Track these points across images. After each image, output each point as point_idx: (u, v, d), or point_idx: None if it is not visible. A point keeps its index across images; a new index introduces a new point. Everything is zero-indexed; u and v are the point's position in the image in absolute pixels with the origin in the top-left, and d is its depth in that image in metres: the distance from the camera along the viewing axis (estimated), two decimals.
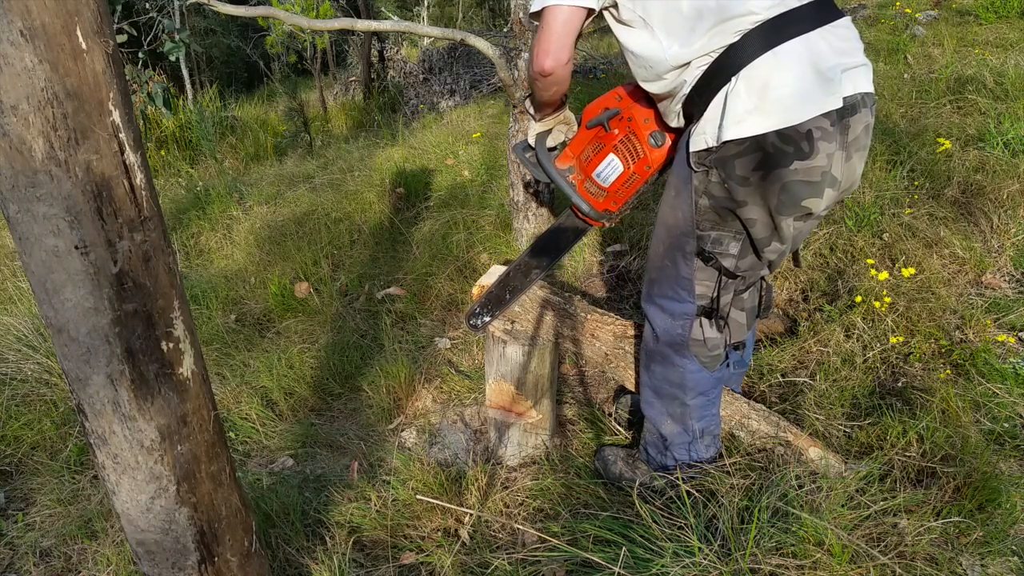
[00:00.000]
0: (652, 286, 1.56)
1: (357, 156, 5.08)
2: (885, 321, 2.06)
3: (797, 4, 1.26)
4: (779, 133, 1.23)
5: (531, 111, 1.66)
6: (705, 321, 1.52)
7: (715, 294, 1.48)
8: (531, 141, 1.70)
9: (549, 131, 1.68)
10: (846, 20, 1.32)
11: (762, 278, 1.64)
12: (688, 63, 1.31)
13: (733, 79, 1.26)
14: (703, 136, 1.32)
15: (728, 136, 1.26)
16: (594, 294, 2.77)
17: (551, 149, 1.68)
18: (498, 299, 1.90)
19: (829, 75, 1.24)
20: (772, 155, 1.25)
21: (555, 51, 1.37)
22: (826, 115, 1.24)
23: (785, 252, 1.45)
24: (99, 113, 0.82)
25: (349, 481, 1.88)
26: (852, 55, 1.29)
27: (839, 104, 1.24)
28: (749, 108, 1.24)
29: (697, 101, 1.33)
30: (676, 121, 1.44)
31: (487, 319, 1.88)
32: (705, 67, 1.30)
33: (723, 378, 1.61)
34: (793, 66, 1.23)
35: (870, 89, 1.31)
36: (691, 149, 1.35)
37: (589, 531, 1.50)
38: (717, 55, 1.28)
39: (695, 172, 1.36)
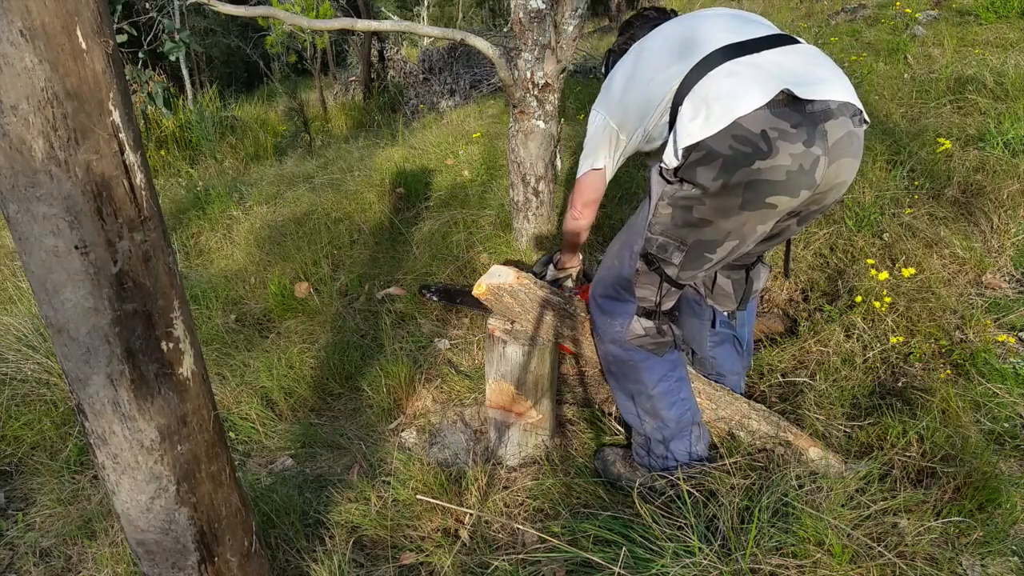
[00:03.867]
0: (597, 285, 1.70)
1: (357, 156, 5.08)
2: (885, 321, 2.06)
3: (745, 38, 1.41)
4: (734, 136, 1.32)
5: (554, 265, 2.12)
6: (643, 319, 1.61)
7: (658, 300, 1.59)
8: (548, 278, 2.13)
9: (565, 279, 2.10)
10: (807, 47, 1.43)
11: (747, 270, 1.74)
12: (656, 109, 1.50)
13: (681, 105, 1.41)
14: (670, 156, 1.44)
15: (683, 145, 1.38)
16: None
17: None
18: (450, 297, 2.49)
19: (767, 77, 1.33)
20: (732, 157, 1.33)
21: (582, 209, 1.79)
22: (783, 117, 1.30)
23: (740, 251, 1.50)
24: (99, 113, 0.82)
25: (349, 481, 1.88)
26: (814, 69, 1.37)
27: (772, 95, 1.30)
28: (695, 119, 1.37)
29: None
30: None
31: (433, 298, 2.52)
32: (669, 111, 1.46)
33: (678, 360, 1.67)
34: (726, 77, 1.36)
35: (848, 100, 1.36)
36: (664, 165, 1.47)
37: (589, 531, 1.49)
38: (672, 96, 1.45)
39: (667, 183, 1.47)
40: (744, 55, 1.38)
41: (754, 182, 1.33)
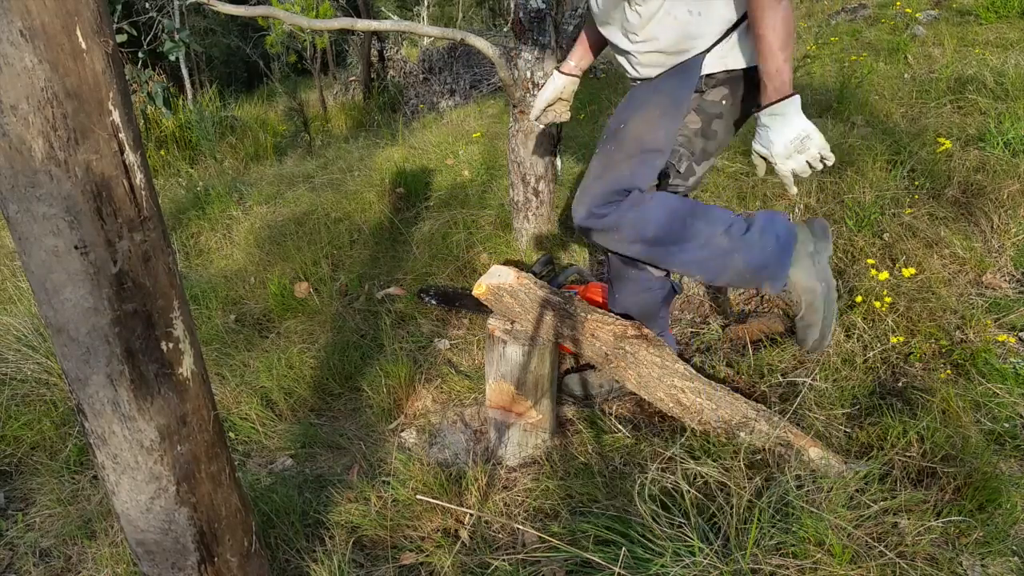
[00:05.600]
0: (619, 151, 1.64)
1: (357, 156, 5.08)
2: (885, 321, 2.06)
3: None
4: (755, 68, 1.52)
5: (785, 82, 1.41)
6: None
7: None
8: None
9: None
10: None
11: None
12: None
13: (745, 22, 1.49)
14: (723, 60, 1.53)
15: (749, 63, 1.52)
16: None
17: None
18: (448, 300, 2.47)
19: None
20: (756, 85, 1.51)
21: None
22: None
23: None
24: (99, 113, 0.82)
25: (349, 481, 1.88)
26: None
27: None
28: (751, 43, 1.50)
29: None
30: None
31: (432, 301, 2.51)
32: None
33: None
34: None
35: None
36: (707, 71, 1.55)
37: (589, 531, 1.49)
38: None
39: (696, 94, 1.57)
40: None
41: (746, 110, 1.60)
